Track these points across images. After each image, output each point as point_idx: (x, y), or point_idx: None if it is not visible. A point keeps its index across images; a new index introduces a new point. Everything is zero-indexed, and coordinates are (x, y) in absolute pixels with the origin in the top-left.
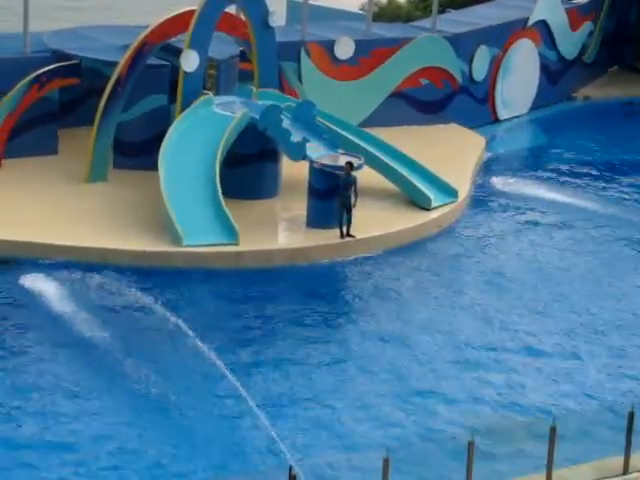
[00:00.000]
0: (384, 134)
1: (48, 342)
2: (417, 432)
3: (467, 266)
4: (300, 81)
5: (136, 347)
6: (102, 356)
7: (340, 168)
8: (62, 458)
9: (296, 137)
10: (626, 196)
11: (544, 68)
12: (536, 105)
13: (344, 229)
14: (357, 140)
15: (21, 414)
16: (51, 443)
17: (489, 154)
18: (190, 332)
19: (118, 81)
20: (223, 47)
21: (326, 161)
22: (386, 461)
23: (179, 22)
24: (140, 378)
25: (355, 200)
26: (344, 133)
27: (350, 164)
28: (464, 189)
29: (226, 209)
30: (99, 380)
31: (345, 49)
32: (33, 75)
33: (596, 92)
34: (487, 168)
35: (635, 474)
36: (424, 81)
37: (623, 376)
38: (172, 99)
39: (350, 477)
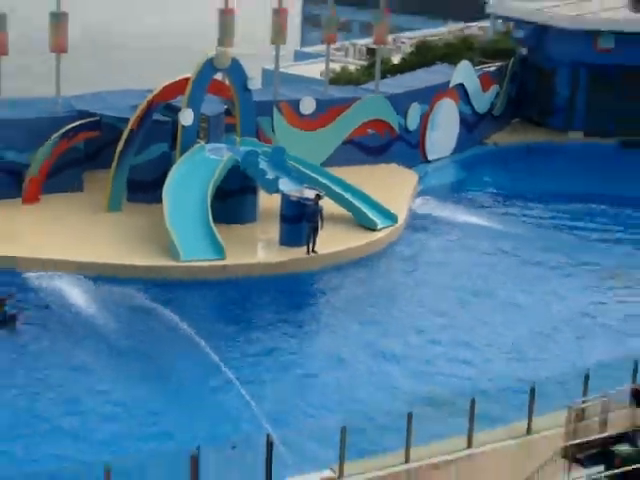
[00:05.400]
0: (339, 172)
1: (74, 334)
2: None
3: (404, 275)
4: (273, 131)
5: (143, 337)
6: (116, 342)
7: (307, 199)
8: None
9: (270, 175)
10: (528, 219)
11: (462, 120)
12: (457, 149)
13: (310, 247)
14: (318, 177)
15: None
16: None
17: (421, 187)
18: (186, 326)
19: (130, 133)
20: (212, 106)
21: (295, 194)
22: None
23: (178, 87)
24: (142, 357)
25: (322, 224)
26: (308, 172)
27: (318, 196)
28: (402, 215)
29: (216, 232)
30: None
31: (308, 106)
32: (64, 130)
33: (503, 138)
34: (419, 198)
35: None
36: (370, 131)
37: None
38: (173, 147)
39: None
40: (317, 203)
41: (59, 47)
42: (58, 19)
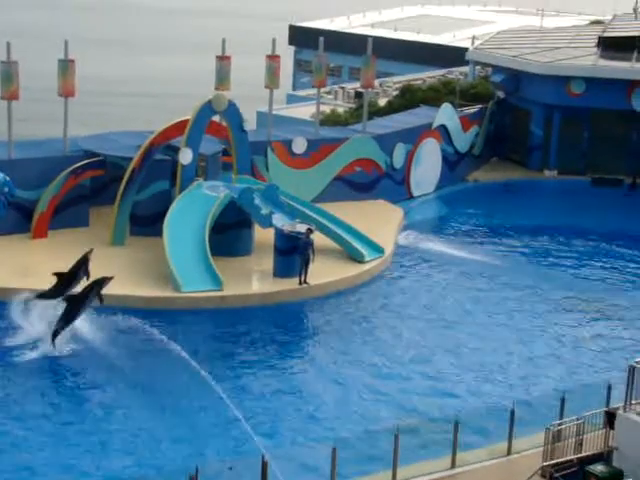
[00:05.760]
0: (329, 207)
1: (83, 357)
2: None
3: (390, 305)
4: (267, 169)
5: (145, 363)
6: (121, 366)
7: (300, 233)
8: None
9: (265, 210)
10: (507, 252)
11: (444, 159)
12: (439, 186)
13: (302, 278)
14: (309, 212)
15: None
16: None
17: (406, 222)
18: (185, 354)
19: (133, 171)
20: (210, 145)
21: (287, 227)
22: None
23: (177, 128)
24: (143, 381)
25: (313, 257)
26: (299, 207)
27: (310, 230)
28: (389, 247)
29: (213, 264)
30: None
31: (300, 146)
32: (71, 168)
33: (482, 176)
34: (405, 232)
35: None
36: (358, 169)
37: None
38: (173, 184)
39: None
40: (308, 237)
41: (67, 91)
42: (66, 66)
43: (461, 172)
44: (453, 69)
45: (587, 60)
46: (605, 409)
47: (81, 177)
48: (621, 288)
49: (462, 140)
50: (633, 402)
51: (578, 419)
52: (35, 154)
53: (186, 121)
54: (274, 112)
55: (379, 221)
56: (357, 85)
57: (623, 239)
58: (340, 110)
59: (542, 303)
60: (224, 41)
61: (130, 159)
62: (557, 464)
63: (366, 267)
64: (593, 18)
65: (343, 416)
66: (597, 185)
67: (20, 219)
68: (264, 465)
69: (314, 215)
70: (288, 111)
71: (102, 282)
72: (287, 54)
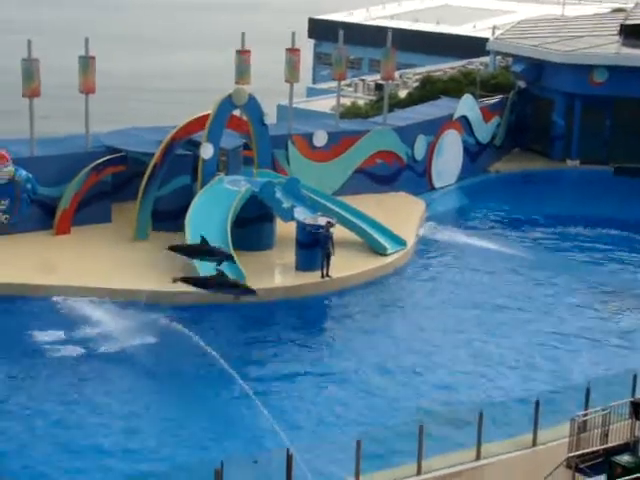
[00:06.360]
0: (350, 200)
1: (108, 353)
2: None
3: (413, 296)
4: (288, 163)
5: (168, 353)
6: (144, 358)
7: (320, 227)
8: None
9: (286, 204)
10: (531, 243)
11: (466, 150)
12: (461, 177)
13: (324, 271)
14: (331, 205)
15: None
16: None
17: (428, 214)
18: (210, 349)
19: (154, 167)
20: (231, 140)
21: (309, 221)
22: None
23: (198, 123)
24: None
25: (333, 250)
26: (321, 200)
27: (329, 223)
28: (411, 240)
29: (236, 258)
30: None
31: (320, 139)
32: (93, 164)
33: (504, 167)
34: (427, 224)
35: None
36: (379, 161)
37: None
38: (194, 179)
39: None
40: (328, 230)
41: (88, 88)
42: (86, 62)
43: (482, 163)
44: (473, 60)
45: (609, 48)
46: (631, 399)
47: (103, 173)
48: None
49: (483, 131)
50: None
51: (604, 410)
52: (57, 151)
53: (207, 116)
54: (294, 105)
55: (401, 213)
56: (377, 77)
57: None
58: (360, 102)
59: (566, 294)
60: (243, 35)
61: (151, 154)
62: (583, 455)
63: (388, 260)
64: (615, 6)
65: (366, 409)
66: (620, 174)
67: (43, 216)
68: (289, 458)
69: (335, 208)
70: (308, 104)
71: (238, 286)
72: (307, 47)
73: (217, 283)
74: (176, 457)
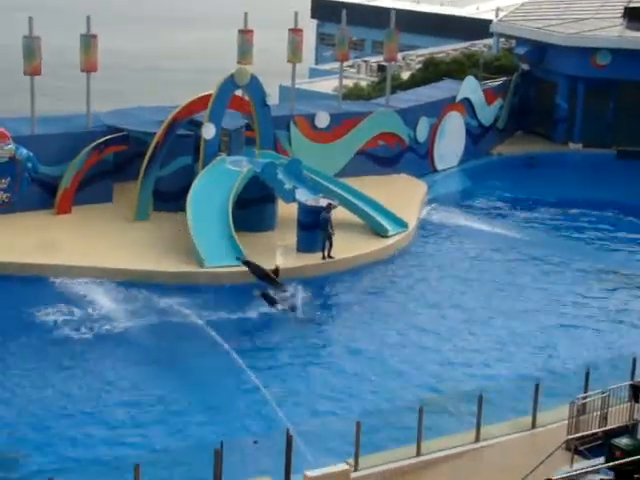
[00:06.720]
0: (352, 182)
1: (110, 331)
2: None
3: (414, 278)
4: (290, 144)
5: (168, 333)
6: (144, 339)
7: (322, 208)
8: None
9: (288, 185)
10: (532, 225)
11: (468, 132)
12: (463, 159)
13: (325, 252)
14: (332, 186)
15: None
16: None
17: (430, 196)
18: (209, 329)
19: (156, 147)
20: (233, 120)
21: (311, 202)
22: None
23: (200, 103)
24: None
25: (333, 231)
26: (323, 182)
27: (330, 205)
28: (412, 221)
29: (237, 239)
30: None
31: (323, 120)
32: (94, 144)
33: (506, 149)
34: (429, 206)
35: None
36: (381, 143)
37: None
38: (196, 159)
39: None
40: (328, 212)
41: (89, 67)
42: (88, 41)
43: (485, 145)
44: (477, 42)
45: (613, 31)
46: (630, 382)
47: (104, 153)
48: None
49: (486, 113)
50: None
51: (603, 392)
52: (58, 130)
53: (209, 96)
54: (297, 86)
55: (402, 195)
56: (380, 58)
57: None
58: (363, 84)
59: (567, 276)
60: (246, 15)
61: (153, 134)
62: (582, 437)
63: (390, 241)
64: None
65: (368, 390)
66: (622, 157)
67: (44, 195)
68: (289, 439)
69: (337, 190)
70: (311, 85)
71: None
72: (309, 28)
73: (252, 271)
74: (175, 438)
